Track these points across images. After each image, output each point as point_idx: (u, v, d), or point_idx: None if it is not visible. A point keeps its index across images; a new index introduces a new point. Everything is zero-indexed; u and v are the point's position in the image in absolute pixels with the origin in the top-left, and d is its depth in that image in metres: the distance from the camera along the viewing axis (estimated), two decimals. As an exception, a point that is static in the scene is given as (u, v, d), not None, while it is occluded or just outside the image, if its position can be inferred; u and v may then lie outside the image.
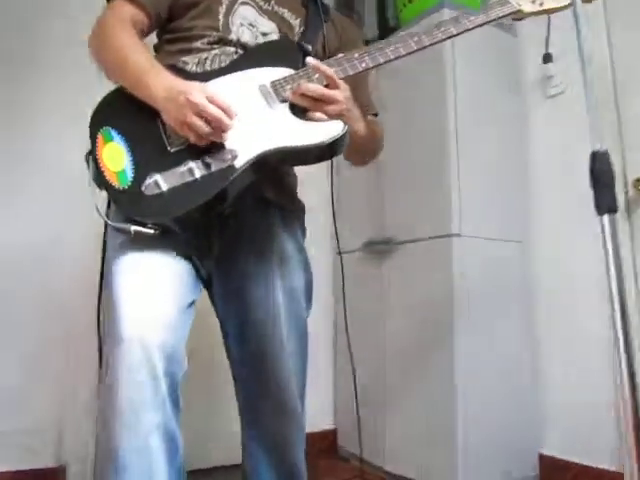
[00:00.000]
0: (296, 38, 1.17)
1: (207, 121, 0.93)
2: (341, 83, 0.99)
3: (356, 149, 1.11)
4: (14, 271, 1.86)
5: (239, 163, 0.95)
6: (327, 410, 2.44)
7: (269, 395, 1.14)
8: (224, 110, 0.93)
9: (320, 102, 0.98)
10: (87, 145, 1.02)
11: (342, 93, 0.99)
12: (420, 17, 2.07)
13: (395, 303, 2.04)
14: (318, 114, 0.98)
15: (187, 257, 1.05)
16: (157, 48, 1.18)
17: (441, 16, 1.98)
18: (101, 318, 1.03)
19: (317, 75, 0.99)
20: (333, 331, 2.48)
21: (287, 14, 1.19)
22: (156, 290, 0.96)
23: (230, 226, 1.11)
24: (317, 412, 2.25)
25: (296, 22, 1.19)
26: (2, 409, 1.78)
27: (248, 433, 1.18)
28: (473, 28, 1.02)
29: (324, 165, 1.10)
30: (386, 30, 2.34)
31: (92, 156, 1.00)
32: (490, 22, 1.02)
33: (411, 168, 2.05)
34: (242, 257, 1.13)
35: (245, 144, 0.96)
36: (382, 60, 1.01)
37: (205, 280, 1.12)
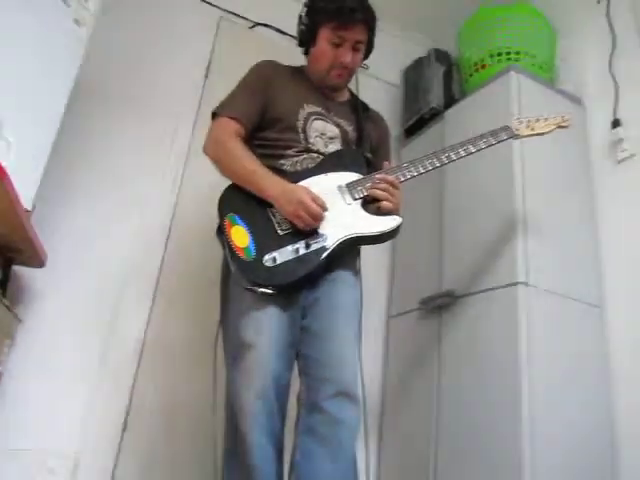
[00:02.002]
0: (352, 141, 1.60)
1: (311, 215, 1.33)
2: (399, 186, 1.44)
3: None
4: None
5: (329, 244, 1.35)
6: None
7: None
8: (321, 207, 1.35)
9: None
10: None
11: (399, 192, 1.44)
12: (487, 82, 2.16)
13: (454, 358, 1.89)
14: (384, 205, 1.40)
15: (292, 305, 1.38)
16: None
17: (508, 79, 2.06)
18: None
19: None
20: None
21: (343, 123, 1.61)
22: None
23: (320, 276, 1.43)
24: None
25: (350, 129, 1.62)
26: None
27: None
28: (486, 147, 1.52)
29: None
30: (452, 100, 2.44)
31: (224, 236, 1.36)
32: (496, 144, 1.54)
33: (474, 230, 2.00)
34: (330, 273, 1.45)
35: (332, 230, 1.37)
36: (423, 170, 1.47)
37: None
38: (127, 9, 2.22)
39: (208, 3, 2.45)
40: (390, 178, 1.43)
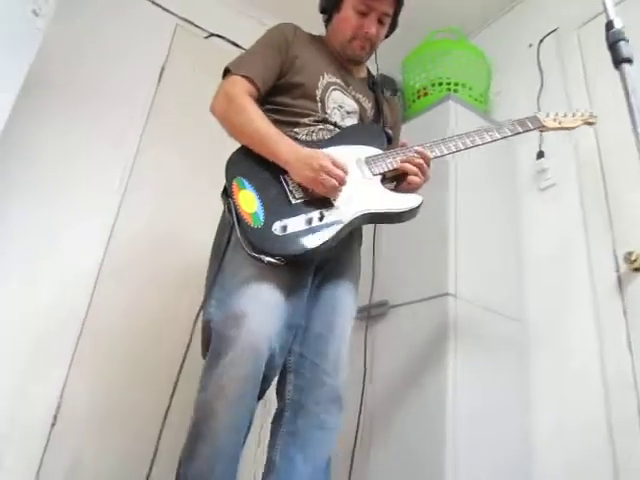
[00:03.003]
0: (370, 118, 1.53)
1: (335, 178, 1.23)
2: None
3: None
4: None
5: (345, 218, 1.25)
6: None
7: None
8: (344, 171, 1.25)
9: (406, 175, 1.35)
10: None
11: (429, 171, 1.37)
12: (428, 109, 2.31)
13: (384, 366, 1.97)
14: (412, 180, 1.34)
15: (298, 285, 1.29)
16: None
17: (447, 107, 2.22)
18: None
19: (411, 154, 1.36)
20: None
21: (362, 99, 1.54)
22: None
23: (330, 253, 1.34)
24: None
25: (369, 105, 1.55)
26: None
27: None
28: (512, 135, 1.46)
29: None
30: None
31: (231, 199, 1.24)
32: (523, 132, 1.47)
33: (407, 243, 2.11)
34: (335, 272, 1.40)
35: (349, 205, 1.27)
36: (462, 147, 1.42)
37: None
38: (86, 9, 2.24)
39: (166, 10, 2.49)
40: (427, 153, 1.36)
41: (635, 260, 1.73)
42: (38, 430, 1.77)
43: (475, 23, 2.76)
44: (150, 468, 1.30)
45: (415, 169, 1.34)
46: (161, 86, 2.38)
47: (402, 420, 1.83)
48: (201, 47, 2.56)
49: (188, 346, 1.29)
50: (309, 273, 1.33)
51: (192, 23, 2.56)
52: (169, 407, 1.28)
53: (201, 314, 1.27)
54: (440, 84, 2.42)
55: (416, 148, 1.37)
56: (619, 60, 0.77)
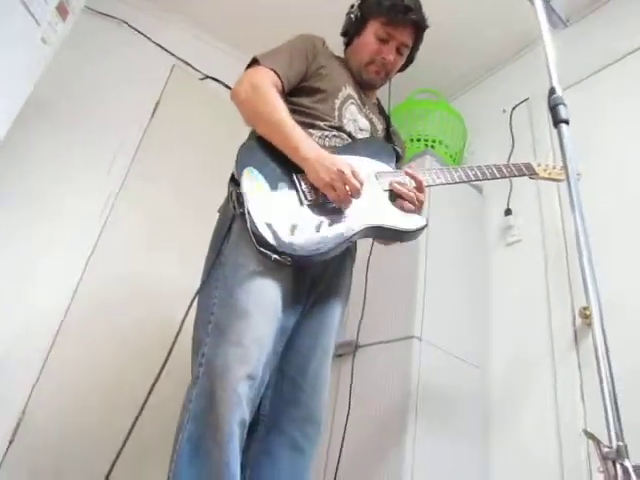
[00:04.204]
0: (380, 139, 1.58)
1: (350, 188, 1.22)
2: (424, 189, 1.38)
3: None
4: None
5: (354, 227, 1.25)
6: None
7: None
8: (361, 184, 1.24)
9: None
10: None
11: (424, 196, 1.37)
12: (406, 161, 2.44)
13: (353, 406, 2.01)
14: (406, 206, 1.34)
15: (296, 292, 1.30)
16: None
17: (423, 162, 2.35)
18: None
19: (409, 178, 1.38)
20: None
21: (374, 119, 1.60)
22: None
23: (327, 264, 1.36)
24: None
25: (380, 127, 1.62)
26: None
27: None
28: (508, 176, 1.53)
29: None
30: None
31: (242, 189, 1.19)
32: (518, 176, 1.55)
33: (379, 286, 2.19)
34: (329, 288, 1.40)
35: (358, 215, 1.27)
36: (451, 180, 1.44)
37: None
38: (90, 39, 2.36)
39: (165, 50, 2.63)
40: (419, 177, 1.36)
41: (589, 315, 1.82)
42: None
43: (455, 87, 2.97)
44: None
45: (409, 194, 1.34)
46: (154, 120, 2.48)
47: (360, 468, 1.85)
48: (196, 87, 2.69)
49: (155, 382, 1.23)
50: (305, 288, 1.34)
51: (189, 64, 2.70)
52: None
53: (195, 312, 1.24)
54: (419, 140, 2.57)
55: (407, 170, 1.40)
56: (558, 120, 0.90)
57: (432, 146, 2.53)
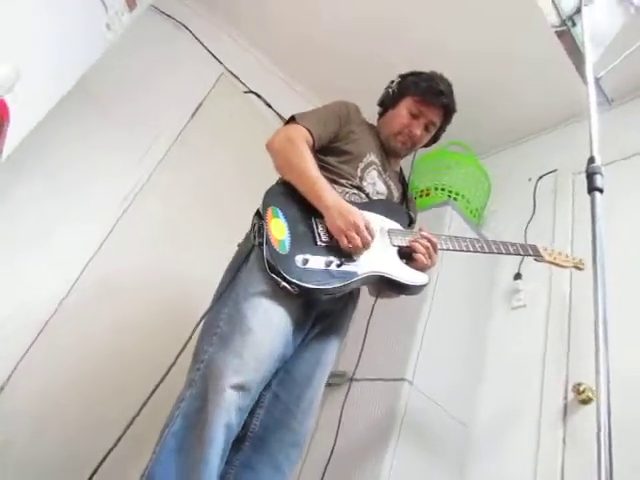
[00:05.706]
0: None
1: (361, 238, 1.35)
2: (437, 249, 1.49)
3: None
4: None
5: (361, 272, 1.36)
6: None
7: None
8: (372, 236, 1.38)
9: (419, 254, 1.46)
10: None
11: (436, 257, 1.50)
12: (428, 207, 2.48)
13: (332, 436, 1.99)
14: (419, 262, 1.45)
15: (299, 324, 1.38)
16: None
17: (444, 212, 2.39)
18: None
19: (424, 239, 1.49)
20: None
21: (392, 186, 1.72)
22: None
23: (334, 304, 1.49)
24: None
25: (396, 194, 1.74)
26: None
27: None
28: (514, 254, 1.62)
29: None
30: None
31: (264, 221, 1.35)
32: (524, 255, 1.69)
33: (379, 324, 2.19)
34: (331, 327, 1.52)
35: (366, 262, 1.39)
36: (457, 248, 1.54)
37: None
38: (144, 35, 2.43)
39: (216, 58, 2.72)
40: (434, 239, 1.49)
41: (583, 392, 1.82)
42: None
43: (487, 146, 3.02)
44: None
45: (423, 250, 1.46)
46: (193, 121, 2.55)
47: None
48: (238, 99, 2.76)
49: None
50: (310, 321, 1.44)
51: (235, 76, 2.78)
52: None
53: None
54: (442, 189, 2.61)
55: (423, 232, 1.51)
56: (593, 188, 0.93)
57: (455, 198, 2.57)
